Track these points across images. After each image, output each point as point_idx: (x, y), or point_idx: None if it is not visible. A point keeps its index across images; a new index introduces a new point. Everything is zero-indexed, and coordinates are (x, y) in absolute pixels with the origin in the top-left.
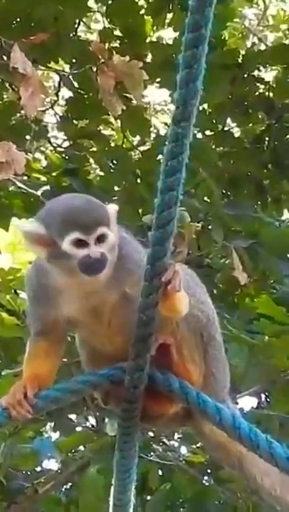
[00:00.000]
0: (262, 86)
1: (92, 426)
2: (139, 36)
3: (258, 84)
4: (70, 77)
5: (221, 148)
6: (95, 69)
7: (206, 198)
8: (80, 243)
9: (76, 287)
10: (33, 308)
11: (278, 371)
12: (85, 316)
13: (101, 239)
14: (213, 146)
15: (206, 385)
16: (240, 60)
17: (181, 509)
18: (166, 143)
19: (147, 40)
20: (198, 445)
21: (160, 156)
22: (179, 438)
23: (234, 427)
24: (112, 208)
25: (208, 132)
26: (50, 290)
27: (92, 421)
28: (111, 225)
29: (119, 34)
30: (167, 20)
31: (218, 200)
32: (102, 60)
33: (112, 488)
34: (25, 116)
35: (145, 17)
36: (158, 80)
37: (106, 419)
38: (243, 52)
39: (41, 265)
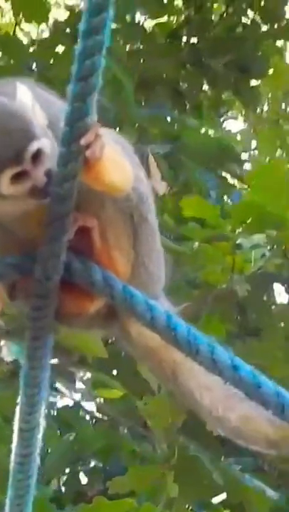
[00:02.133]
0: None
1: None
2: None
3: None
4: None
5: (129, 45)
6: None
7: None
8: (17, 178)
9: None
10: None
11: (210, 286)
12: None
13: (37, 156)
14: (121, 42)
15: (134, 277)
16: None
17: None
18: None
19: None
20: None
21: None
22: None
23: (169, 327)
24: (25, 94)
25: (113, 25)
26: None
27: None
28: (37, 128)
29: None
30: None
31: (130, 97)
32: None
33: (18, 408)
34: None
35: None
36: None
37: (2, 342)
38: None
39: None
